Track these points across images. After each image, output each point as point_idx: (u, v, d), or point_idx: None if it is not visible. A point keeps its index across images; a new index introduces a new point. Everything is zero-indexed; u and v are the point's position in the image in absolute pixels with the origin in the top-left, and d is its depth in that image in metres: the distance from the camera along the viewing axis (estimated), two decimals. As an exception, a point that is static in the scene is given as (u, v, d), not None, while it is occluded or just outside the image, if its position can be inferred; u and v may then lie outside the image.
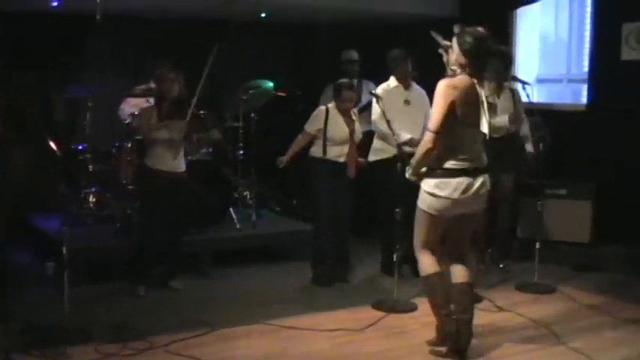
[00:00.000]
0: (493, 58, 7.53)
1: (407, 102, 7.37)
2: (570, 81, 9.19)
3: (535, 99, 7.56)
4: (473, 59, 5.16)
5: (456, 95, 5.09)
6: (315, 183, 7.16)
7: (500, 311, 6.50)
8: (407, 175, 5.36)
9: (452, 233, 5.49)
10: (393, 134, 6.65)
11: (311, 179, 7.20)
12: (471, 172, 5.22)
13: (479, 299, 6.71)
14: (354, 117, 7.23)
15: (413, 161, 5.30)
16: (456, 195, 5.18)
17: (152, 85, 7.45)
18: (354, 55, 9.08)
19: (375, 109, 7.18)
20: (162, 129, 6.71)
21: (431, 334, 5.79)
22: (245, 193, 8.80)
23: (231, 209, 8.20)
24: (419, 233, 5.42)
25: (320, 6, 8.54)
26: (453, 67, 5.28)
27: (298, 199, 9.66)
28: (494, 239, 7.83)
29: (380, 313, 6.34)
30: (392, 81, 7.45)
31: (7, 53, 8.70)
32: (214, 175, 8.06)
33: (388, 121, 6.66)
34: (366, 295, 6.83)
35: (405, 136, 6.98)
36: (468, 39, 5.14)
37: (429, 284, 5.46)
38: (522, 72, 8.76)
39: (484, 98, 5.18)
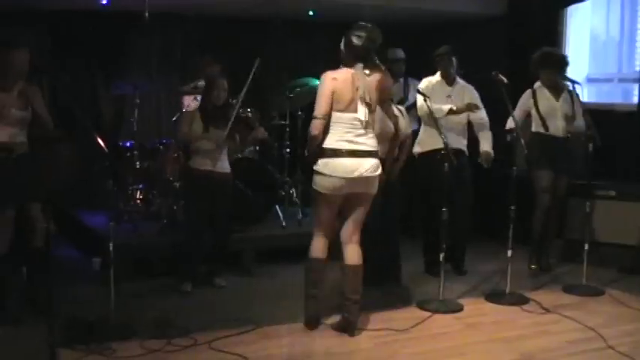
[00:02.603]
0: (544, 69, 7.50)
1: (449, 97, 7.38)
2: (621, 80, 9.05)
3: (585, 98, 7.45)
4: (346, 50, 5.72)
5: (335, 85, 5.61)
6: None
7: (546, 313, 6.41)
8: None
9: (342, 214, 5.86)
10: (440, 133, 6.61)
11: None
12: (355, 154, 5.60)
13: (525, 300, 6.66)
14: (396, 112, 7.16)
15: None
16: (339, 174, 5.58)
17: (200, 83, 7.47)
18: (400, 53, 9.04)
19: (421, 107, 7.23)
20: (206, 138, 6.76)
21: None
22: (291, 191, 8.80)
23: (277, 207, 8.21)
24: (315, 213, 5.89)
25: (368, 4, 8.50)
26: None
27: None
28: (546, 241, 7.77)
29: (425, 313, 6.30)
30: (436, 76, 7.49)
31: (56, 51, 8.80)
32: (260, 173, 8.05)
33: (436, 120, 6.65)
34: (411, 295, 6.80)
35: (445, 107, 7.16)
36: (347, 32, 5.73)
37: (308, 267, 5.88)
38: (572, 71, 8.62)
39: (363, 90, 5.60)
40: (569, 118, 7.50)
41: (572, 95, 7.55)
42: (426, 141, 7.42)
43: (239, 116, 6.91)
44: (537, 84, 7.59)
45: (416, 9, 8.94)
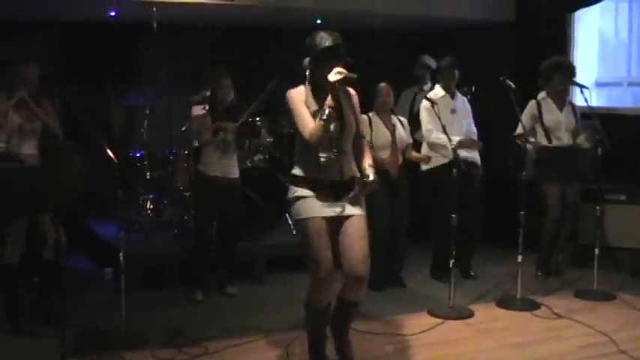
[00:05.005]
0: (557, 74, 7.48)
1: (453, 111, 7.35)
2: (631, 84, 9.02)
3: (594, 103, 7.41)
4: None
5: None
6: None
7: (558, 318, 6.41)
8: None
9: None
10: (449, 139, 6.62)
11: None
12: None
13: (536, 306, 6.65)
14: (394, 122, 7.17)
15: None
16: None
17: (208, 93, 7.51)
18: (431, 62, 9.04)
19: (424, 120, 7.26)
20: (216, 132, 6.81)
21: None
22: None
23: (287, 216, 8.20)
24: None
25: (378, 12, 8.51)
26: None
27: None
28: (558, 246, 7.75)
29: (436, 320, 6.30)
30: (438, 90, 7.47)
31: (65, 62, 8.84)
32: (270, 181, 8.06)
33: (444, 127, 6.64)
34: (421, 301, 6.80)
35: (455, 139, 6.98)
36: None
37: None
38: (581, 75, 8.61)
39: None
40: (574, 130, 7.49)
41: (575, 108, 7.56)
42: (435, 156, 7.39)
43: (246, 121, 6.99)
44: (541, 95, 7.55)
45: (426, 16, 8.93)
